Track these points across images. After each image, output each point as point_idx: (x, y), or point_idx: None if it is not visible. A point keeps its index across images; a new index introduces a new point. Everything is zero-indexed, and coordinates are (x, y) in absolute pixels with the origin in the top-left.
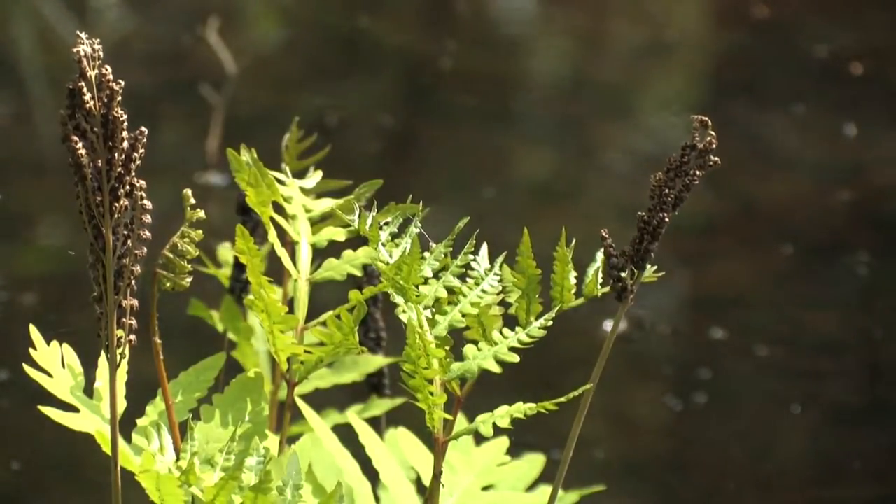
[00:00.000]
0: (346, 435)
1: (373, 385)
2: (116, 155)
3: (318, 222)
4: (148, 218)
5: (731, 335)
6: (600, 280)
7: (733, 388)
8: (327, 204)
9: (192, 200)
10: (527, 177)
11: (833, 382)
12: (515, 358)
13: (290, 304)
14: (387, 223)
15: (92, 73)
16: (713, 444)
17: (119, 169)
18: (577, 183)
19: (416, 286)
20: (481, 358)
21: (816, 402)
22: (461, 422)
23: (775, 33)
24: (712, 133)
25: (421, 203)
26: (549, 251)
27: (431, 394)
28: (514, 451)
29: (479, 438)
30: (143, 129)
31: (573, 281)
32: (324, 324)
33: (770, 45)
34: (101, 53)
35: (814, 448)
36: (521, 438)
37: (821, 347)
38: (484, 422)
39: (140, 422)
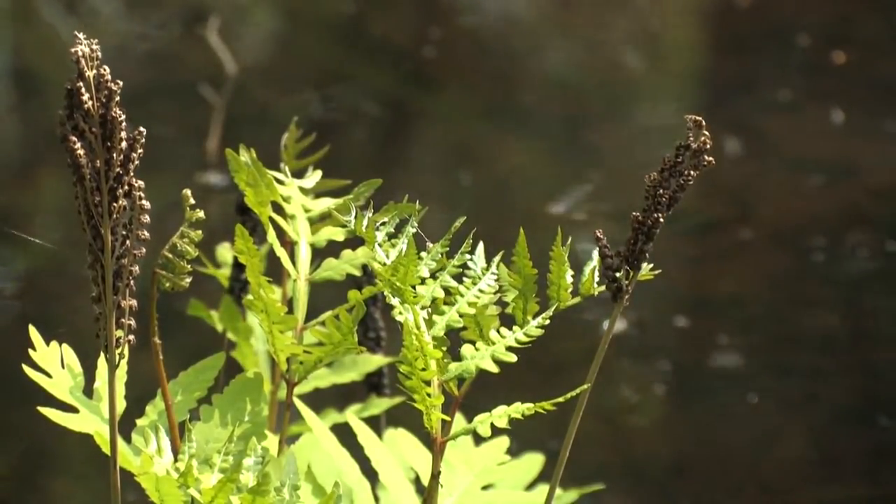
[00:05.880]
0: (345, 435)
1: (372, 385)
2: (115, 155)
3: (317, 222)
4: (147, 218)
5: (729, 335)
6: (597, 279)
7: (730, 387)
8: (326, 204)
9: (192, 200)
10: (520, 171)
11: (831, 381)
12: (513, 357)
13: (290, 304)
14: (383, 223)
15: (90, 73)
16: (709, 443)
17: (118, 169)
18: (571, 177)
19: (413, 287)
20: (479, 358)
21: (815, 401)
22: (459, 422)
23: (757, 22)
24: (706, 133)
25: (417, 203)
26: (544, 248)
27: (429, 395)
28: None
29: (480, 438)
30: (141, 129)
31: (570, 280)
32: (323, 324)
33: (752, 34)
34: (99, 53)
35: (811, 447)
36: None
37: (817, 346)
38: (482, 422)
39: (140, 422)
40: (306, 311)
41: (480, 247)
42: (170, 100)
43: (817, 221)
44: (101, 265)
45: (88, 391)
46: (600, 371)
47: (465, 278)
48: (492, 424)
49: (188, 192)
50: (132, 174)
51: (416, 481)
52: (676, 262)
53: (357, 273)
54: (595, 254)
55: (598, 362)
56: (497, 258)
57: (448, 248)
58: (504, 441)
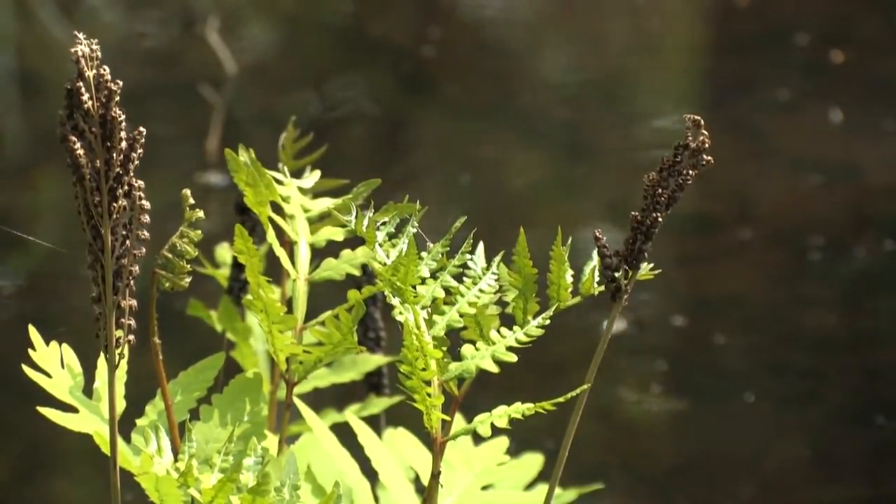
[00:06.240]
0: (345, 435)
1: (372, 384)
2: (115, 155)
3: (316, 222)
4: (146, 218)
5: (728, 335)
6: (596, 278)
7: (729, 387)
8: (325, 203)
9: (192, 200)
10: (519, 171)
11: (830, 381)
12: (513, 357)
13: (289, 303)
14: (383, 223)
15: (90, 73)
16: (707, 442)
17: (117, 169)
18: (568, 176)
19: (413, 287)
20: (479, 358)
21: (814, 401)
22: (459, 422)
23: (756, 22)
24: (705, 132)
25: (418, 203)
26: (543, 247)
27: (429, 395)
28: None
29: (479, 438)
30: (141, 129)
31: (570, 279)
32: (322, 324)
33: (751, 33)
34: (99, 53)
35: (810, 447)
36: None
37: (816, 345)
38: (482, 422)
39: (139, 422)
40: (306, 311)
41: (480, 247)
42: (170, 100)
43: (816, 221)
44: (101, 265)
45: (88, 391)
46: (599, 371)
47: (465, 278)
48: (492, 424)
49: (188, 192)
50: (132, 174)
51: (416, 481)
52: (675, 261)
53: (356, 273)
54: (594, 254)
55: (598, 362)
56: (497, 258)
57: (448, 248)
58: (504, 441)
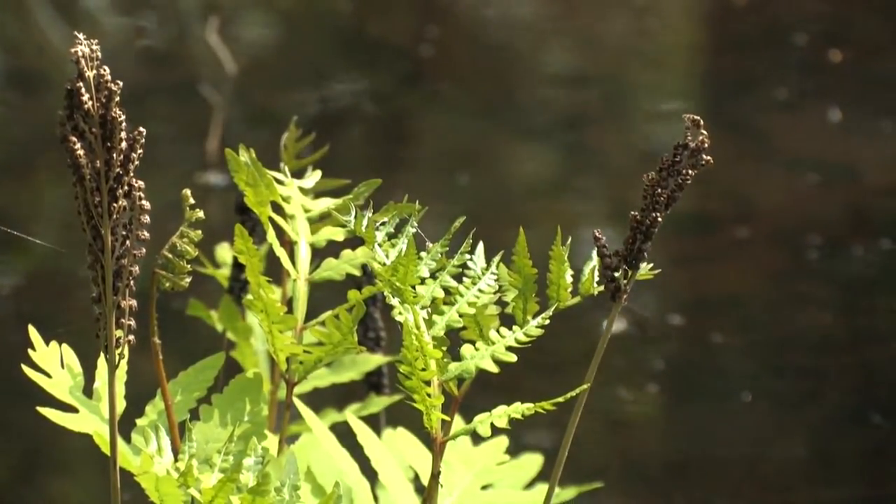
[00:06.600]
0: (345, 435)
1: (372, 384)
2: (115, 155)
3: (316, 222)
4: (147, 218)
5: (726, 335)
6: (597, 278)
7: (728, 387)
8: (326, 203)
9: (192, 200)
10: (518, 170)
11: (829, 381)
12: (513, 357)
13: (289, 303)
14: (383, 223)
15: (90, 74)
16: (706, 442)
17: (117, 169)
18: (567, 175)
19: (413, 287)
20: (479, 358)
21: (813, 400)
22: (459, 422)
23: (754, 21)
24: (704, 132)
25: (417, 202)
26: (543, 247)
27: (429, 395)
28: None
29: (479, 437)
30: (141, 129)
31: (569, 279)
32: (323, 324)
33: (749, 33)
34: (99, 54)
35: (809, 447)
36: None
37: (818, 346)
38: (482, 422)
39: (139, 422)
40: (306, 311)
41: (480, 246)
42: (170, 100)
43: (814, 220)
44: (101, 265)
45: (88, 391)
46: (599, 370)
47: (464, 278)
48: (491, 424)
49: (188, 192)
50: (132, 174)
51: (416, 481)
52: (674, 261)
53: (357, 273)
54: (594, 253)
55: (598, 361)
56: (497, 258)
57: (447, 248)
58: (503, 441)
